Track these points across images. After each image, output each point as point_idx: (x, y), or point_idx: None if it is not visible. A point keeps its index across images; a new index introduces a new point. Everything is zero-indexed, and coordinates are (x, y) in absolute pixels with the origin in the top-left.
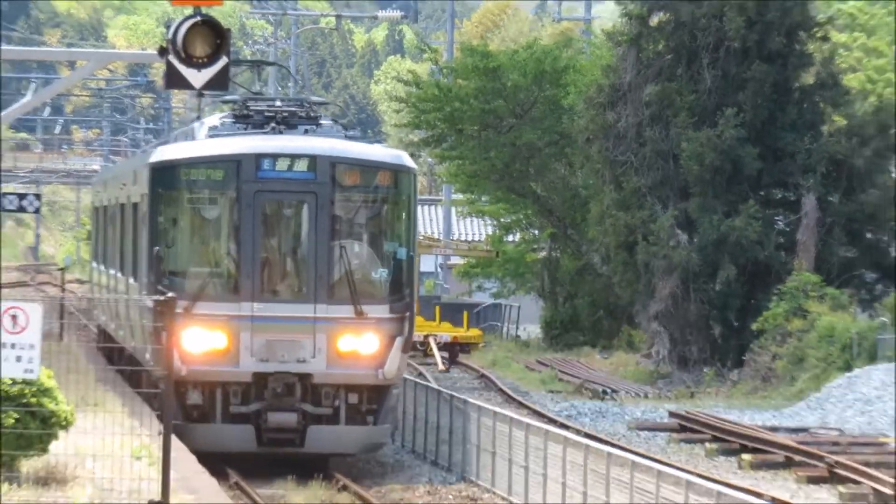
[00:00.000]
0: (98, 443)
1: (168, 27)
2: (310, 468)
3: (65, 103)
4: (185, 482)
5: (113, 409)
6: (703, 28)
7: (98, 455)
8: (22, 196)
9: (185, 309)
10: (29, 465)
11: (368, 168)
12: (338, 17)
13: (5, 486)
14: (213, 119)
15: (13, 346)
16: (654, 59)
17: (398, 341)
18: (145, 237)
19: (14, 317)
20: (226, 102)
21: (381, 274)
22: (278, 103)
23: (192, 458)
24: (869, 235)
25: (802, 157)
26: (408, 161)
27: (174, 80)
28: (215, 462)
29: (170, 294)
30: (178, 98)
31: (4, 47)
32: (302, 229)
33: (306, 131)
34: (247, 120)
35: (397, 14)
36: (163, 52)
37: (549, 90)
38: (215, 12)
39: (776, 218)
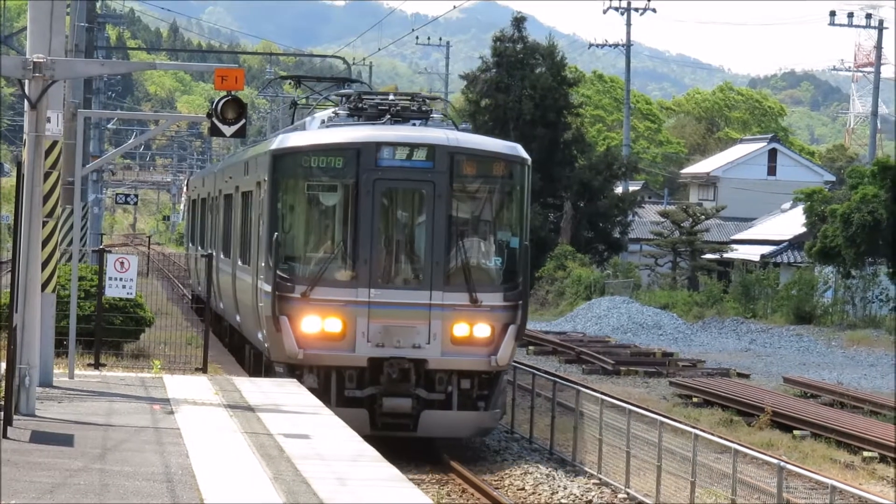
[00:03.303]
0: (168, 334)
1: (212, 102)
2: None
3: (152, 143)
4: (216, 359)
5: (176, 315)
6: (511, 108)
7: (168, 341)
8: (127, 195)
9: (303, 294)
10: (128, 347)
11: (484, 158)
12: (307, 98)
13: (114, 359)
14: (325, 113)
15: (120, 279)
16: (483, 125)
17: (511, 329)
18: (264, 223)
19: (121, 262)
20: (340, 97)
21: (495, 262)
22: (391, 97)
23: (223, 349)
24: (601, 225)
25: (565, 181)
26: (522, 152)
27: (215, 131)
28: None
29: (286, 279)
30: (216, 142)
31: (119, 112)
32: (419, 217)
33: (414, 125)
34: (360, 113)
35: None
36: (209, 115)
37: None
38: (238, 93)
39: (550, 214)
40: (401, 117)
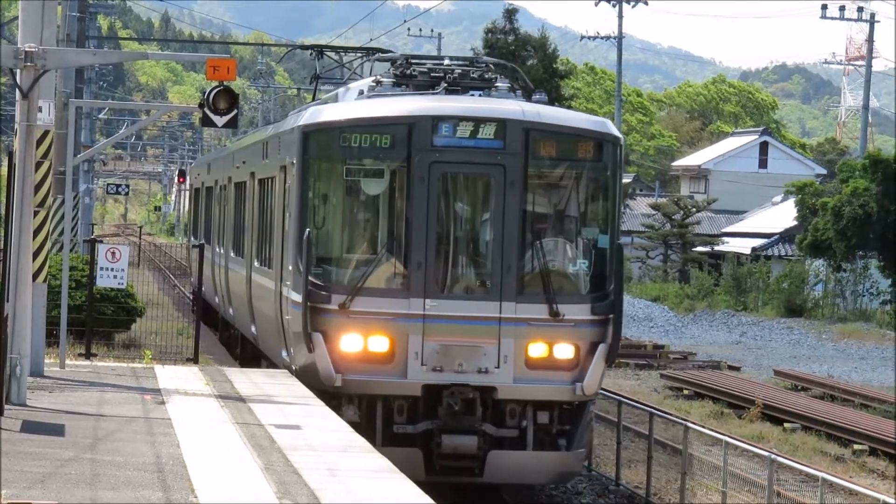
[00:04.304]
0: (159, 324)
1: (203, 92)
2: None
3: (143, 133)
4: (207, 350)
5: (167, 305)
6: None
7: (158, 331)
8: (118, 185)
9: (341, 306)
10: (119, 337)
11: (568, 136)
12: (298, 89)
13: (105, 349)
14: (364, 82)
15: (111, 269)
16: None
17: (600, 349)
18: (291, 216)
19: (112, 252)
20: (383, 61)
21: (580, 266)
22: (447, 62)
23: (214, 339)
24: None
25: None
26: (613, 129)
27: (207, 121)
28: None
29: (320, 286)
30: (207, 132)
31: (111, 102)
32: (486, 210)
33: (473, 95)
34: (409, 80)
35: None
36: (201, 105)
37: None
38: (230, 84)
39: None
40: (458, 86)
